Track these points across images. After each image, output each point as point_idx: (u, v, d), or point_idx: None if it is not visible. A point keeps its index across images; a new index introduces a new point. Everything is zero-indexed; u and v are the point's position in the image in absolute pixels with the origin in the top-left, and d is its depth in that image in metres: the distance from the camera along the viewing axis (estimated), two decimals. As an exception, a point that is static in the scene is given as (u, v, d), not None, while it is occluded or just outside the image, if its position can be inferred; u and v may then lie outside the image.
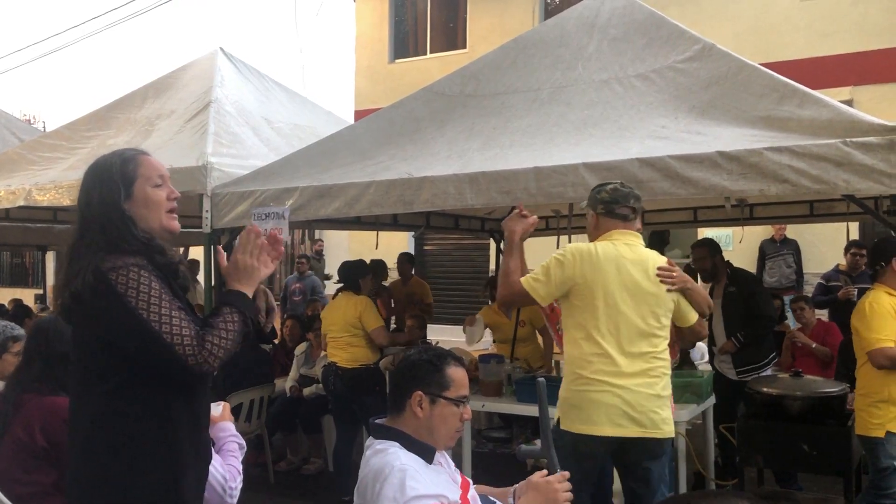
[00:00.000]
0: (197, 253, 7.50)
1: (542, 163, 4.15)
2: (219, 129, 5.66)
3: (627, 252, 3.24)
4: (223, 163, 5.30)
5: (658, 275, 3.22)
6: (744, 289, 5.40)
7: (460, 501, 2.12)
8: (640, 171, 3.85)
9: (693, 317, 3.36)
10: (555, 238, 5.89)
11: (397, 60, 14.86)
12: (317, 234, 14.29)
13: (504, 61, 5.37)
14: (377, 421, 2.26)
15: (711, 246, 5.56)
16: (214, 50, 6.85)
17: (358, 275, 5.80)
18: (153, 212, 2.04)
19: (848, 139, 3.45)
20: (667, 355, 3.24)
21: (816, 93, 3.89)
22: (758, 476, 5.30)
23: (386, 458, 2.09)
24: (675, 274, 3.24)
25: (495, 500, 2.29)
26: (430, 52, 14.48)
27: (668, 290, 3.22)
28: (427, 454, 2.18)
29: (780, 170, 3.54)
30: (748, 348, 5.31)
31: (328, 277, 12.40)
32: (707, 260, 5.47)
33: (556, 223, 6.21)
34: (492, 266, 10.98)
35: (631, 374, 3.10)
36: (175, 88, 6.60)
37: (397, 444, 2.16)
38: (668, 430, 3.16)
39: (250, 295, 2.02)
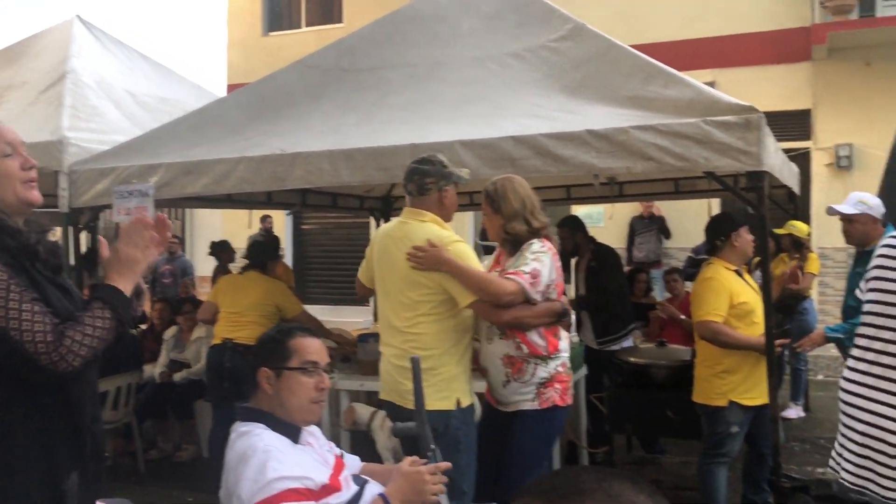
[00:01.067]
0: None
1: (419, 139, 4.12)
2: (76, 102, 5.31)
3: (396, 230, 3.25)
4: (81, 138, 4.98)
5: (407, 254, 3.14)
6: (604, 263, 5.62)
7: (328, 482, 2.08)
8: (514, 149, 3.89)
9: (462, 299, 3.07)
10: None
11: (271, 34, 14.44)
12: (213, 212, 13.75)
13: (380, 35, 5.29)
14: (243, 404, 2.20)
15: (571, 225, 5.72)
16: (71, 18, 6.41)
17: (268, 256, 5.63)
18: (4, 185, 1.84)
19: (708, 118, 3.60)
20: (427, 330, 3.13)
21: (680, 74, 4.04)
22: (626, 443, 5.54)
23: (250, 439, 2.04)
24: (421, 255, 3.09)
25: (369, 479, 2.26)
26: (306, 26, 14.15)
27: (414, 269, 3.12)
28: (292, 433, 2.16)
29: (645, 148, 3.66)
30: (604, 319, 5.48)
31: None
32: (569, 239, 5.64)
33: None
34: (371, 244, 10.91)
35: (389, 346, 3.24)
36: (27, 57, 6.14)
37: (262, 424, 2.12)
38: (433, 405, 3.01)
39: (131, 287, 1.87)
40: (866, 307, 2.42)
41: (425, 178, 3.22)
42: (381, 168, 4.12)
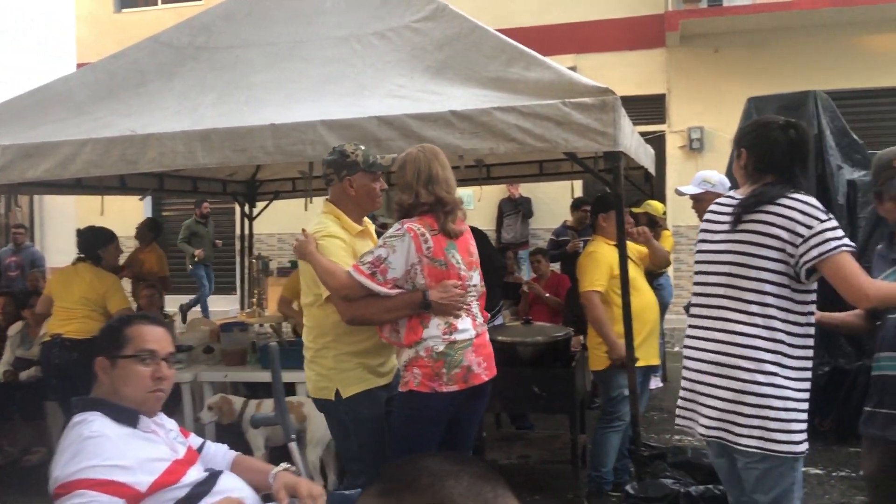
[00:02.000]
0: None
1: (279, 119, 4.00)
2: None
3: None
4: None
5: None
6: (478, 242, 5.66)
7: (164, 473, 1.98)
8: (378, 130, 3.84)
9: (323, 292, 3.06)
10: (301, 200, 5.75)
11: (124, 10, 13.67)
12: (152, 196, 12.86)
13: (238, 13, 5.08)
14: (80, 397, 2.08)
15: None
16: None
17: (98, 244, 5.24)
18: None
19: (567, 100, 3.68)
20: (312, 322, 3.18)
21: (541, 56, 4.10)
22: (496, 420, 5.63)
23: (78, 429, 1.96)
24: (294, 243, 3.13)
25: (227, 472, 2.16)
26: (162, 3, 13.48)
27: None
28: (131, 419, 2.07)
29: (508, 129, 3.70)
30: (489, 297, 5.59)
31: (215, 245, 11.28)
32: None
33: (304, 185, 6.06)
34: (238, 231, 10.59)
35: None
36: None
37: (99, 412, 2.03)
38: (317, 394, 3.17)
39: None
40: (695, 267, 2.65)
41: (327, 170, 3.20)
42: (239, 149, 3.97)
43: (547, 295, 6.30)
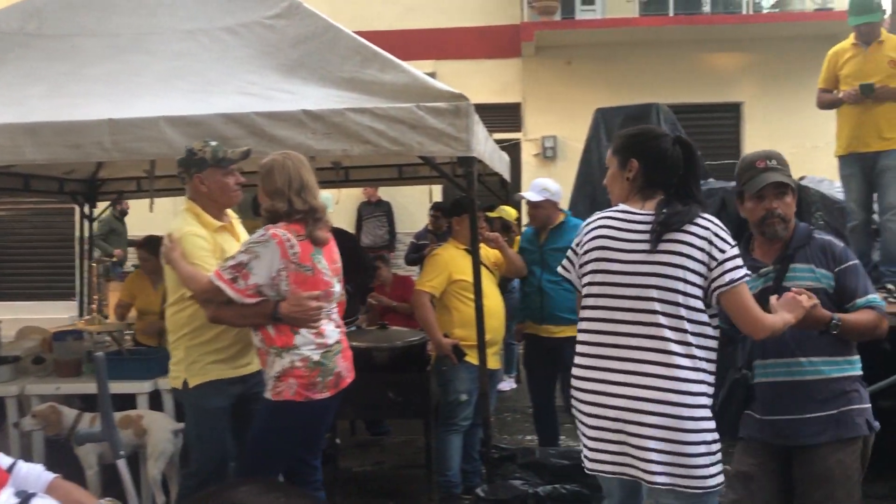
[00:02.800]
0: None
1: (118, 114, 3.76)
2: None
3: None
4: None
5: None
6: (346, 243, 5.60)
7: None
8: (225, 128, 3.68)
9: (186, 292, 3.13)
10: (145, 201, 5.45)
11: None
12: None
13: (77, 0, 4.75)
14: None
15: None
16: None
17: None
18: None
19: (421, 104, 3.67)
20: (172, 317, 3.26)
21: (396, 59, 4.07)
22: (350, 426, 5.55)
23: None
24: (162, 247, 3.22)
25: (39, 493, 1.97)
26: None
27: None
28: None
29: (362, 131, 3.64)
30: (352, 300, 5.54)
31: (131, 244, 10.07)
32: None
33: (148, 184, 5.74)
34: (77, 233, 9.93)
35: None
36: None
37: None
38: (171, 383, 3.34)
39: None
40: (595, 290, 2.40)
41: (179, 169, 3.25)
42: (72, 145, 3.70)
43: (395, 304, 6.27)
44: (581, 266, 2.46)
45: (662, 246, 2.27)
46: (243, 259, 2.90)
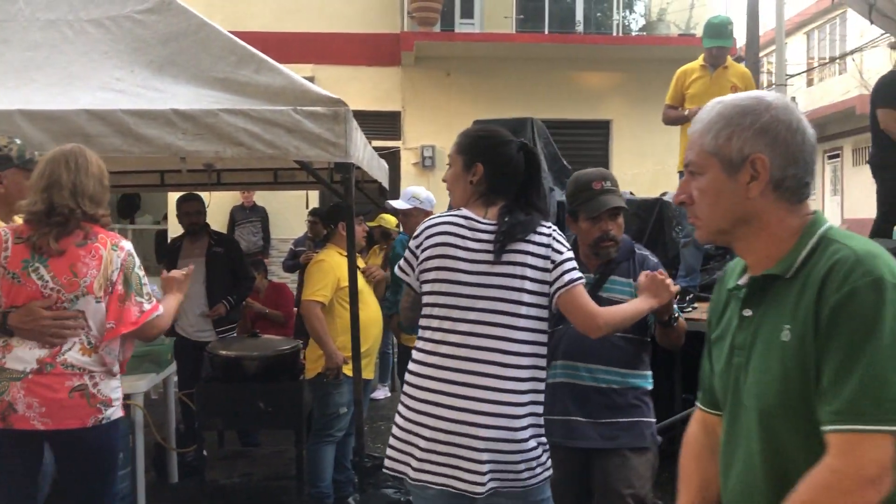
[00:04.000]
0: None
1: (-33, 106, 3.49)
2: None
3: None
4: None
5: None
6: (231, 251, 5.47)
7: None
8: (88, 125, 3.49)
9: None
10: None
11: None
12: None
13: (-82, -19, 4.38)
14: None
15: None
16: None
17: None
18: None
19: (298, 107, 3.61)
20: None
21: (272, 61, 3.98)
22: (219, 438, 5.37)
23: None
24: None
25: None
26: None
27: None
28: None
29: (235, 132, 3.54)
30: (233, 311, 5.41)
31: None
32: (185, 217, 5.55)
33: None
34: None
35: None
36: None
37: None
38: None
39: None
40: (442, 300, 2.32)
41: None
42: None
43: (267, 311, 6.15)
44: (422, 272, 2.36)
45: (506, 257, 2.26)
46: None
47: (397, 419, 2.32)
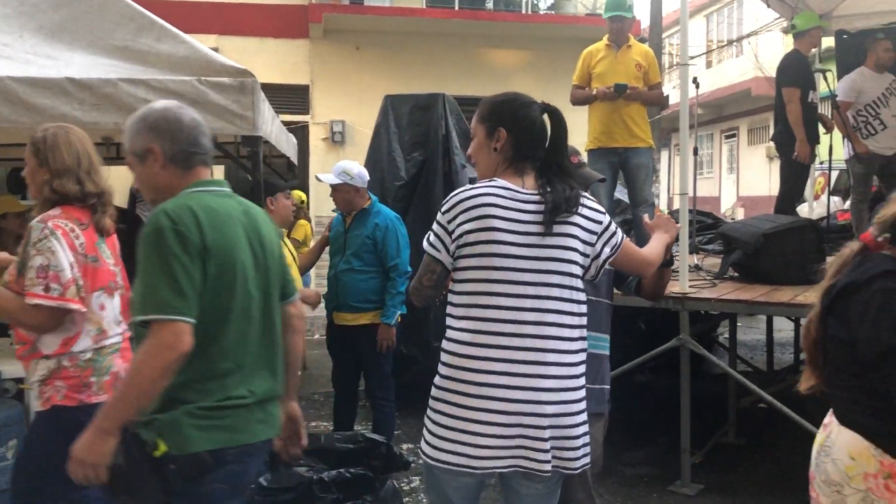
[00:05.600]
0: None
1: None
2: None
3: None
4: None
5: None
6: (135, 227, 5.24)
7: None
8: (-28, 92, 3.28)
9: None
10: None
11: None
12: None
13: None
14: None
15: None
16: None
17: None
18: None
19: (203, 77, 3.49)
20: None
21: (175, 29, 3.83)
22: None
23: None
24: None
25: None
26: None
27: None
28: None
29: (136, 103, 3.36)
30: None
31: None
32: None
33: None
34: None
35: None
36: None
37: None
38: None
39: None
40: (496, 275, 2.18)
41: None
42: None
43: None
44: (460, 247, 2.19)
45: (556, 228, 2.18)
46: (40, 262, 2.51)
47: (443, 407, 2.17)
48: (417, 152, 6.19)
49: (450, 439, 2.14)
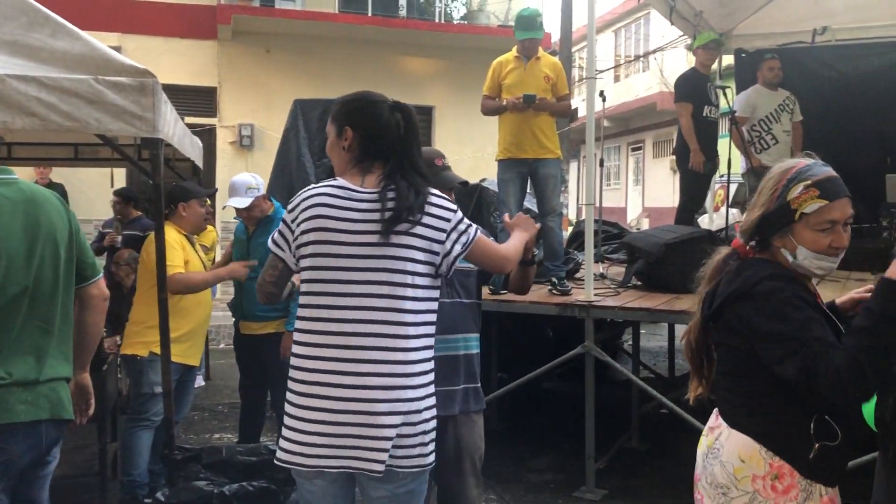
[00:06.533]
0: None
1: None
2: None
3: None
4: None
5: None
6: None
7: None
8: None
9: None
10: None
11: None
12: None
13: None
14: None
15: None
16: None
17: None
18: None
19: (100, 77, 3.34)
20: None
21: (71, 25, 3.66)
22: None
23: None
24: None
25: None
26: None
27: None
28: None
29: (27, 101, 3.22)
30: None
31: None
32: None
33: None
34: None
35: None
36: None
37: None
38: None
39: None
40: (308, 262, 2.20)
41: None
42: None
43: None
44: (299, 246, 2.21)
45: (394, 238, 2.15)
46: None
47: (287, 408, 2.19)
48: (327, 158, 6.10)
49: (288, 438, 2.17)
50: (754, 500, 1.86)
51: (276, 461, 2.23)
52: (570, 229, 8.38)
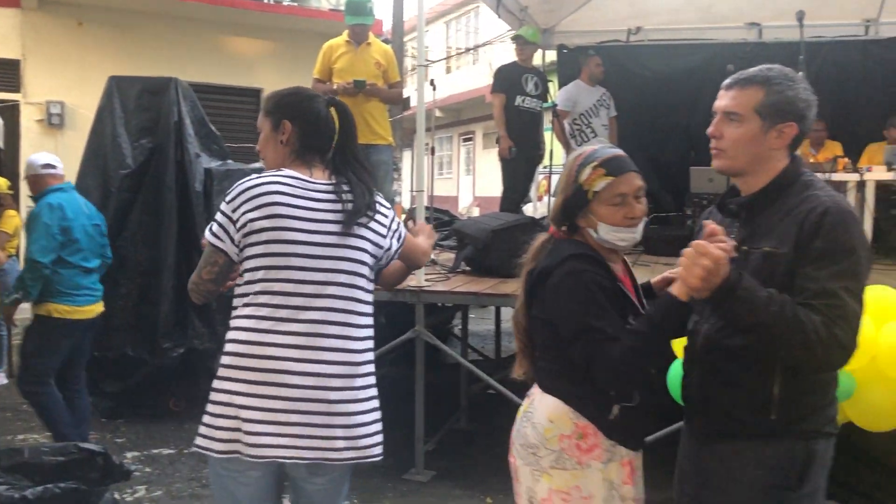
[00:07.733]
0: None
1: None
2: None
3: None
4: None
5: None
6: None
7: None
8: None
9: None
10: None
11: None
12: None
13: None
14: None
15: None
16: None
17: None
18: None
19: None
20: None
21: None
22: None
23: None
24: None
25: None
26: None
27: None
28: None
29: None
30: None
31: None
32: None
33: None
34: None
35: None
36: None
37: None
38: None
39: None
40: (259, 250, 2.15)
41: None
42: None
43: None
44: (245, 235, 2.15)
45: (354, 230, 2.22)
46: None
47: (220, 397, 2.11)
48: (146, 139, 5.80)
49: (223, 427, 2.09)
50: (560, 458, 1.96)
51: (198, 449, 2.12)
52: (403, 216, 8.44)
